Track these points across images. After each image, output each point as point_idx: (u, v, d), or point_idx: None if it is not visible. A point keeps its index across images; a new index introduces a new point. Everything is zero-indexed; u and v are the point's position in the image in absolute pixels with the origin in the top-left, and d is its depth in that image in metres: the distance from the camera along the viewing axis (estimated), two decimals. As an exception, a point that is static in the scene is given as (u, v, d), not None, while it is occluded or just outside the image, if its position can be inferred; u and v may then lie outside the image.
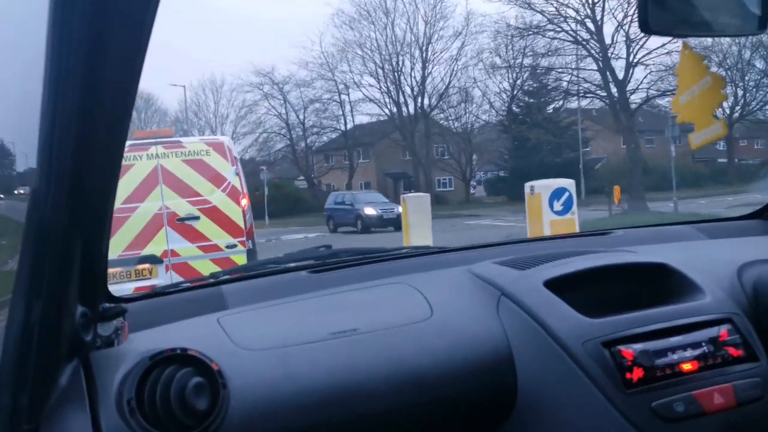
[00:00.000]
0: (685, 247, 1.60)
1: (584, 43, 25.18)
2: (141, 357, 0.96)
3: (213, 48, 68.53)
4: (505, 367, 1.16)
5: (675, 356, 1.12)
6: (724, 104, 34.30)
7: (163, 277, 6.39)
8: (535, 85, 34.92)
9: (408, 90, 38.44)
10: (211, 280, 1.41)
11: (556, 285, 1.22)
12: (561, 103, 33.57)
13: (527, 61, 29.94)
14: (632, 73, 24.88)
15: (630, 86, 24.90)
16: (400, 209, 10.86)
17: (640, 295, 1.28)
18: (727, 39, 25.93)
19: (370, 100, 39.37)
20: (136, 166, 6.40)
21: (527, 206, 8.43)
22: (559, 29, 25.53)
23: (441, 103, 38.40)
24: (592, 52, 25.05)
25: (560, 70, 27.64)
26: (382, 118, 40.38)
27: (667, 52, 23.44)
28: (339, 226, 24.12)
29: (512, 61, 31.47)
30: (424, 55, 37.69)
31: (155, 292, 1.32)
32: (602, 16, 24.55)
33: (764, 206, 1.77)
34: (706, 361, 1.13)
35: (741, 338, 1.17)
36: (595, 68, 25.48)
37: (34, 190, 0.79)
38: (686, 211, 18.57)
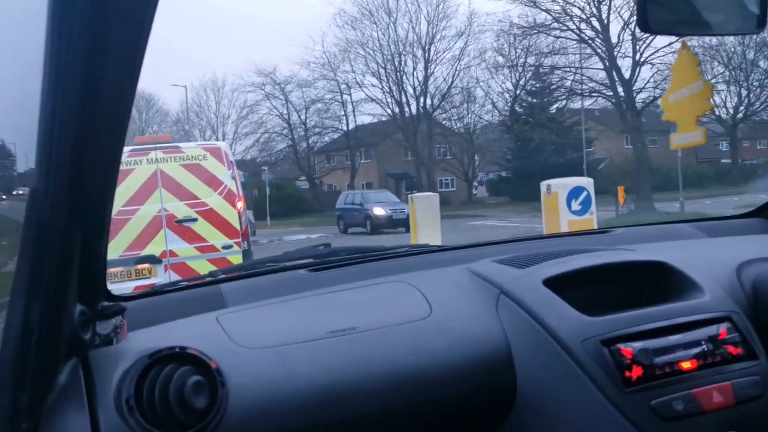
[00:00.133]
0: (684, 245, 1.60)
1: (590, 41, 25.05)
2: (140, 355, 0.96)
3: (214, 48, 68.77)
4: (505, 365, 1.16)
5: (674, 355, 1.12)
6: (728, 104, 34.19)
7: (162, 277, 6.73)
8: (538, 85, 34.89)
9: (410, 90, 38.51)
10: (210, 279, 1.42)
11: (555, 283, 1.22)
12: (565, 102, 33.52)
13: (531, 60, 29.88)
14: (639, 72, 24.76)
15: (636, 86, 24.78)
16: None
17: (640, 294, 1.28)
18: (732, 38, 25.84)
19: (372, 99, 39.43)
20: (136, 171, 6.73)
21: (543, 206, 8.06)
22: (564, 28, 25.41)
23: (443, 103, 38.41)
24: (598, 50, 24.90)
25: (566, 69, 27.51)
26: (384, 119, 40.39)
27: (674, 51, 23.37)
28: (349, 227, 23.78)
29: (516, 60, 31.46)
30: (426, 54, 37.75)
31: (154, 291, 1.32)
32: (608, 14, 24.44)
33: (764, 205, 1.77)
34: (706, 360, 1.13)
35: (740, 336, 1.17)
36: (601, 67, 25.36)
37: (33, 189, 0.80)
38: (693, 211, 18.48)
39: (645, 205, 21.39)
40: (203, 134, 42.78)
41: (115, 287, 6.53)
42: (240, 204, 7.13)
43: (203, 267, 6.75)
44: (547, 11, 25.24)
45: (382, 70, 38.36)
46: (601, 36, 24.66)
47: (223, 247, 6.98)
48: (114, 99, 0.84)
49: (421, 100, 38.18)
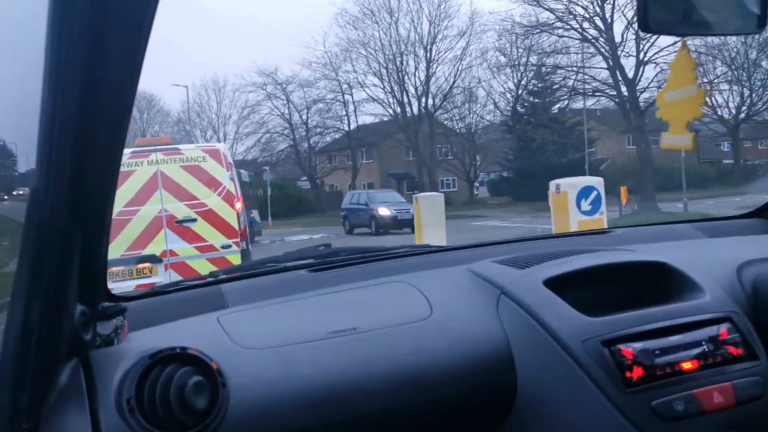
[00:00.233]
0: (684, 245, 1.60)
1: (593, 41, 24.91)
2: (140, 356, 0.96)
3: (215, 48, 68.82)
4: (505, 366, 1.16)
5: (675, 355, 1.12)
6: (731, 104, 34.04)
7: (162, 275, 6.93)
8: (540, 85, 34.84)
9: (412, 90, 38.47)
10: (211, 279, 1.42)
11: (555, 284, 1.22)
12: (567, 102, 33.44)
13: (534, 59, 29.72)
14: (643, 72, 24.58)
15: (640, 85, 24.60)
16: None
17: (640, 294, 1.28)
18: (735, 38, 25.70)
19: (374, 99, 39.41)
20: (137, 172, 6.92)
21: (552, 206, 7.92)
22: (568, 27, 25.26)
23: (445, 103, 38.37)
24: (602, 50, 24.76)
25: (569, 68, 27.33)
26: (385, 119, 40.38)
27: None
28: (355, 227, 23.37)
29: (518, 59, 31.34)
30: (428, 54, 37.71)
31: (155, 291, 1.32)
32: (612, 13, 24.28)
33: (764, 205, 1.77)
34: (706, 360, 1.13)
35: (741, 337, 1.17)
36: (604, 67, 25.16)
37: (33, 189, 0.80)
38: (696, 212, 18.39)
39: (648, 206, 21.29)
40: (204, 134, 42.82)
41: (117, 286, 6.58)
42: (238, 205, 7.29)
43: (203, 266, 6.94)
44: (551, 10, 25.10)
45: (383, 70, 38.40)
46: (604, 35, 24.51)
47: (222, 247, 7.14)
48: (114, 99, 0.84)
49: (423, 100, 38.20)
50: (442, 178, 39.78)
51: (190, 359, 0.98)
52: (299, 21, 60.90)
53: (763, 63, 32.57)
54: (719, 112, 35.37)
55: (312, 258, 1.54)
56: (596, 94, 26.94)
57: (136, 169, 6.93)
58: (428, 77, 37.85)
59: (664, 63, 24.04)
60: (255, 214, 23.02)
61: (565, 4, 24.56)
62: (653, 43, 24.02)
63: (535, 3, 25.01)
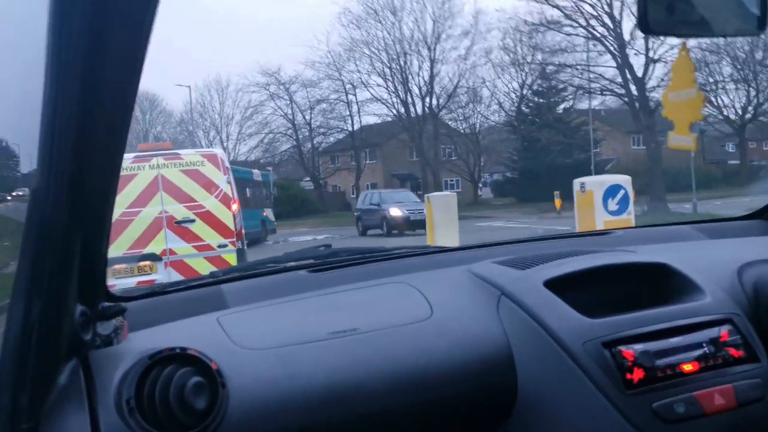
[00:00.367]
0: (685, 247, 1.60)
1: (602, 39, 24.63)
2: (140, 356, 0.96)
3: (218, 48, 68.86)
4: (505, 367, 1.16)
5: (675, 357, 1.12)
6: (736, 105, 33.74)
7: (162, 273, 7.56)
8: (545, 85, 34.75)
9: (416, 90, 38.37)
10: (211, 280, 1.42)
11: (556, 285, 1.22)
12: (572, 102, 33.30)
13: (541, 57, 29.42)
14: (653, 70, 24.26)
15: (650, 84, 24.25)
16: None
17: (641, 296, 1.28)
18: (741, 37, 25.47)
19: (378, 99, 39.34)
20: (139, 176, 7.52)
21: (576, 206, 7.66)
22: (576, 24, 25.00)
23: (449, 103, 38.30)
24: (610, 48, 24.45)
25: (578, 66, 26.99)
26: (389, 119, 40.31)
27: (688, 49, 22.72)
28: (368, 229, 22.50)
29: (523, 58, 31.16)
30: (432, 54, 37.63)
31: (155, 291, 1.32)
32: (621, 10, 23.99)
33: (765, 206, 1.76)
34: (707, 362, 1.13)
35: (741, 339, 1.17)
36: (612, 65, 24.82)
37: (34, 189, 0.80)
38: (705, 212, 18.24)
39: (658, 206, 21.06)
40: (207, 135, 42.94)
41: (119, 282, 7.00)
42: (235, 206, 7.85)
43: (201, 264, 7.53)
44: (558, 8, 24.81)
45: (387, 70, 38.32)
46: (613, 33, 24.23)
47: (219, 246, 7.71)
48: (115, 99, 0.84)
49: (427, 100, 38.12)
50: (445, 179, 39.70)
51: (190, 360, 0.98)
52: (302, 21, 61.08)
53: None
54: (725, 112, 35.21)
55: (312, 258, 1.54)
56: (605, 93, 26.63)
57: (138, 172, 7.47)
58: (432, 77, 37.78)
59: (674, 62, 23.70)
60: (269, 212, 22.93)
61: (574, 2, 24.27)
62: (663, 41, 23.72)
63: (543, 0, 24.81)
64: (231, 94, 50.13)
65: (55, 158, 0.79)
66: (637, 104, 23.91)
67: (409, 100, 38.44)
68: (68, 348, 0.95)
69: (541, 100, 35.78)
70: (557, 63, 28.12)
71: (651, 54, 23.96)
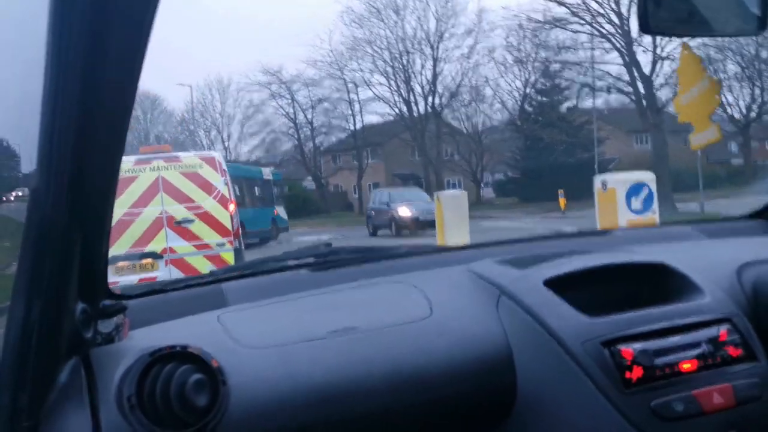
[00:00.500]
0: (684, 246, 1.60)
1: (609, 36, 24.35)
2: (141, 354, 0.97)
3: (220, 47, 68.84)
4: (505, 366, 1.16)
5: (674, 356, 1.12)
6: (741, 104, 33.52)
7: (162, 270, 7.92)
8: (548, 83, 34.66)
9: (418, 89, 38.32)
10: (211, 278, 1.42)
11: (556, 284, 1.22)
12: (575, 101, 33.16)
13: (545, 54, 29.17)
14: (662, 67, 24.06)
15: (658, 81, 23.97)
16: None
17: (640, 295, 1.28)
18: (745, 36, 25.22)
19: (380, 98, 39.26)
20: (140, 177, 7.92)
21: (598, 204, 7.44)
22: (583, 22, 24.75)
23: (452, 102, 38.22)
24: (617, 45, 24.17)
25: (582, 64, 26.81)
26: (391, 118, 40.24)
27: (696, 46, 22.23)
28: (378, 229, 22.03)
29: (527, 56, 30.96)
30: (435, 52, 37.57)
31: (155, 290, 1.32)
32: (629, 7, 23.61)
33: (765, 206, 1.76)
34: (706, 361, 1.13)
35: (740, 338, 1.17)
36: (618, 63, 24.58)
37: (34, 189, 0.80)
38: (712, 212, 18.09)
39: (666, 206, 20.94)
40: (208, 134, 42.90)
41: (122, 279, 7.28)
42: (232, 207, 8.23)
43: (200, 262, 7.91)
44: (565, 4, 24.54)
45: (389, 69, 38.25)
46: (620, 30, 23.96)
47: (217, 245, 8.08)
48: (114, 99, 0.84)
49: (430, 99, 38.05)
50: (448, 179, 39.67)
51: (191, 357, 0.98)
52: (304, 19, 61.01)
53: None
54: (730, 111, 35.03)
55: (312, 257, 1.54)
56: (611, 90, 26.38)
57: (140, 174, 7.88)
58: (435, 76, 37.71)
59: (679, 65, 23.47)
60: (280, 210, 22.76)
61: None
62: (671, 39, 23.43)
63: (550, -3, 24.49)
64: (232, 94, 50.06)
65: (55, 158, 0.79)
66: (644, 102, 23.69)
67: (412, 99, 38.43)
68: (69, 346, 0.95)
69: (544, 99, 35.70)
70: (563, 60, 27.89)
71: (659, 51, 23.77)
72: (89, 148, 0.84)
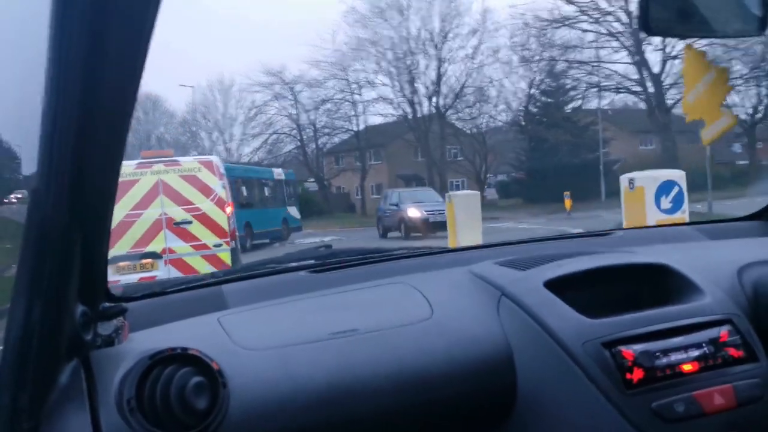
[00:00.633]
0: (685, 247, 1.60)
1: (617, 35, 24.18)
2: (141, 356, 0.97)
3: (221, 48, 68.77)
4: (505, 367, 1.16)
5: (675, 357, 1.12)
6: (747, 104, 33.27)
7: (162, 270, 8.32)
8: (553, 84, 34.53)
9: (422, 89, 38.16)
10: (212, 280, 1.42)
11: (556, 285, 1.22)
12: (580, 102, 33.00)
13: (553, 53, 28.84)
14: (671, 67, 23.83)
15: (667, 81, 23.76)
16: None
17: (641, 296, 1.28)
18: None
19: (383, 99, 39.12)
20: (141, 181, 8.32)
21: (624, 203, 7.10)
22: (591, 20, 24.55)
23: (456, 102, 38.10)
24: (626, 44, 23.98)
25: (592, 63, 26.52)
26: (394, 119, 40.15)
27: (710, 44, 21.84)
28: (388, 231, 21.26)
29: (534, 56, 30.74)
30: (439, 53, 37.47)
31: (155, 292, 1.33)
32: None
33: (765, 207, 1.76)
34: (707, 362, 1.13)
35: (741, 339, 1.17)
36: (627, 62, 24.38)
37: (34, 189, 0.80)
38: (721, 213, 18.00)
39: (675, 206, 20.82)
40: (210, 136, 42.80)
41: (123, 279, 7.52)
42: (228, 209, 8.64)
43: (197, 262, 8.33)
44: (573, 2, 24.28)
45: (393, 69, 38.10)
46: (629, 29, 23.76)
47: (214, 246, 8.50)
48: (115, 99, 0.84)
49: (433, 99, 37.92)
50: (451, 180, 39.60)
51: (191, 360, 0.98)
52: (305, 20, 60.75)
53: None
54: (735, 111, 34.78)
55: (312, 259, 1.54)
56: (620, 90, 26.14)
57: (141, 177, 8.30)
58: (439, 76, 37.51)
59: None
60: (292, 210, 22.45)
61: (589, -1, 23.82)
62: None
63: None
64: (234, 95, 49.69)
65: (55, 159, 0.79)
66: (653, 101, 23.47)
67: (416, 99, 38.23)
68: (69, 348, 0.95)
69: (549, 100, 35.52)
70: (570, 60, 27.66)
71: (668, 50, 23.57)
72: (90, 148, 0.84)
